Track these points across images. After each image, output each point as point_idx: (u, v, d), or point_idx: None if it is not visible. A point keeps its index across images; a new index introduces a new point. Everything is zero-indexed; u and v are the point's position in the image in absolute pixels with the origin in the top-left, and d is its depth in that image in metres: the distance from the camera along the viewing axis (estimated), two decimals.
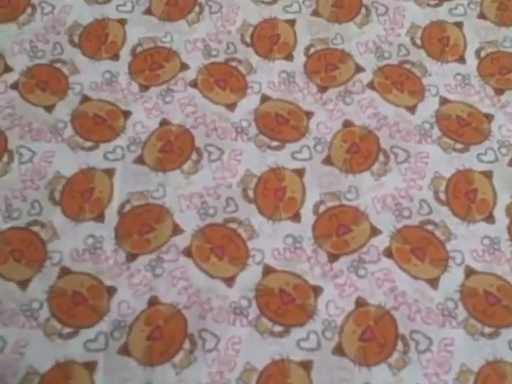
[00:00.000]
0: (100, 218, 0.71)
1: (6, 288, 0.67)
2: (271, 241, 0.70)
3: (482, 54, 0.83)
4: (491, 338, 0.66)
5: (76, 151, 0.75)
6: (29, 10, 0.85)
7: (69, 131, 0.76)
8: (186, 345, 0.65)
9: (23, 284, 0.67)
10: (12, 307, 0.66)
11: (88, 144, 0.75)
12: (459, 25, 0.85)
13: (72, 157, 0.74)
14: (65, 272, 0.68)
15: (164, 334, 0.65)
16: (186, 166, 0.74)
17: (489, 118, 0.78)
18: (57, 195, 0.72)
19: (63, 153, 0.74)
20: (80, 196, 0.72)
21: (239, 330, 0.66)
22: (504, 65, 0.81)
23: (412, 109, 0.78)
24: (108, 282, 0.68)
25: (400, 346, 0.65)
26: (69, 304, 0.66)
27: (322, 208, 0.72)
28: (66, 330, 0.65)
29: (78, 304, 0.66)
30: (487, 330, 0.66)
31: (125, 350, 0.64)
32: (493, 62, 0.82)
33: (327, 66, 0.81)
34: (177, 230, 0.70)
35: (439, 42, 0.84)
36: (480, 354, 0.65)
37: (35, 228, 0.70)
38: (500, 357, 0.65)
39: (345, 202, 0.72)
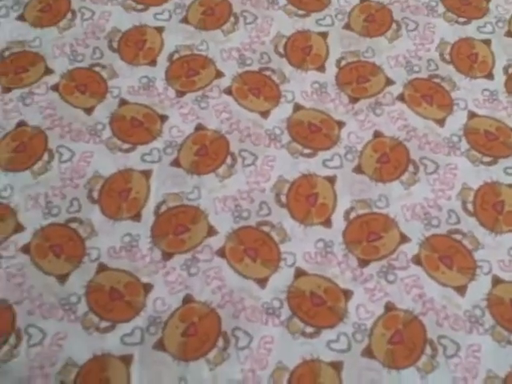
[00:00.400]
0: (137, 217, 0.73)
1: (46, 282, 0.69)
2: (303, 244, 0.72)
3: (510, 70, 0.85)
4: None
5: (114, 152, 0.77)
6: (69, 16, 0.88)
7: (107, 133, 0.78)
8: (220, 342, 0.66)
9: (62, 278, 0.69)
10: (51, 301, 0.68)
11: (126, 146, 0.77)
12: (487, 42, 0.87)
13: (110, 157, 0.76)
14: (102, 268, 0.70)
15: (198, 331, 0.67)
16: (221, 170, 0.76)
17: None
18: (95, 194, 0.74)
19: (102, 153, 0.77)
20: (118, 195, 0.74)
21: (271, 329, 0.67)
22: None
23: (441, 122, 0.80)
24: (144, 279, 0.69)
25: (428, 350, 0.67)
26: (106, 299, 0.68)
27: (352, 215, 0.74)
28: (104, 324, 0.67)
29: (114, 299, 0.68)
30: None
31: (160, 345, 0.66)
32: None
33: (358, 78, 0.84)
34: (211, 231, 0.72)
35: (468, 58, 0.86)
36: (506, 361, 0.66)
37: (74, 225, 0.72)
38: None
39: (375, 209, 0.74)
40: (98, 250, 0.71)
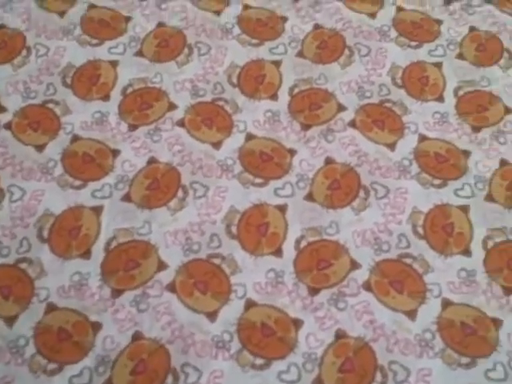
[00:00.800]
0: (87, 254, 0.73)
1: None
2: (253, 275, 0.72)
3: (460, 92, 0.85)
4: (468, 368, 0.67)
5: (65, 189, 0.77)
6: (24, 53, 0.88)
7: (59, 170, 0.78)
8: (169, 379, 0.66)
9: (10, 321, 0.69)
10: None
11: (77, 182, 0.78)
12: (438, 65, 0.88)
13: (61, 195, 0.77)
14: (51, 308, 0.70)
15: (147, 368, 0.67)
16: (172, 203, 0.76)
17: (466, 154, 0.80)
18: (45, 233, 0.74)
19: (53, 191, 0.77)
20: (68, 233, 0.74)
21: (221, 363, 0.67)
22: (481, 103, 0.84)
23: (392, 146, 0.81)
24: (93, 318, 0.69)
25: (379, 376, 0.66)
26: (54, 340, 0.68)
27: (303, 243, 0.74)
28: (51, 366, 0.67)
29: (62, 340, 0.68)
30: (464, 360, 0.67)
31: None
32: (470, 101, 0.84)
33: (311, 105, 0.84)
34: (161, 265, 0.72)
35: (419, 81, 0.86)
36: None
37: (23, 265, 0.72)
38: None
39: (325, 236, 0.74)
40: (47, 290, 0.70)
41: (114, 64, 0.88)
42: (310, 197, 0.77)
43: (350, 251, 0.73)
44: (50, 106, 0.84)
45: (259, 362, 0.67)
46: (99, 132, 0.82)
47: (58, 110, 0.83)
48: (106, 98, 0.85)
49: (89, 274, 0.72)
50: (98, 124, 0.82)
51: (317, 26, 0.91)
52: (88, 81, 0.86)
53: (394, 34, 0.91)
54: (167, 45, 0.90)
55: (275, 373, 0.67)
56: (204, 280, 0.71)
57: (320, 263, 0.72)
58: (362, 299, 0.71)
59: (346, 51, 0.89)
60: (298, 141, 0.81)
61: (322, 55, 0.89)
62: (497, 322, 0.69)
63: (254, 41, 0.90)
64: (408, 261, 0.73)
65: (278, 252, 0.73)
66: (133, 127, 0.82)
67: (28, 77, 0.86)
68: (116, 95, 0.85)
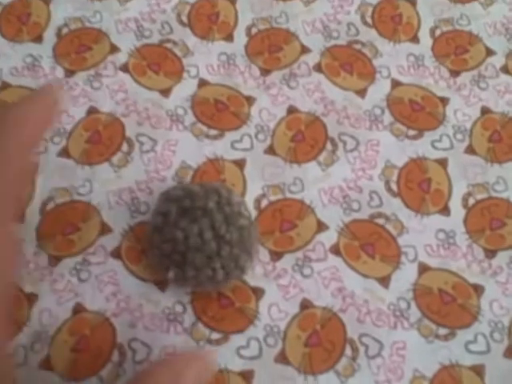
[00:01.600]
0: (20, 219, 0.64)
1: None
2: None
3: (437, 33, 0.77)
4: (446, 340, 0.61)
5: None
6: None
7: None
8: (115, 356, 0.59)
9: None
10: None
11: None
12: (412, 1, 0.79)
13: None
14: None
15: (90, 345, 0.59)
16: (116, 159, 0.68)
17: (444, 101, 0.72)
18: None
19: None
20: None
21: (173, 338, 0.60)
22: (460, 44, 0.76)
23: (362, 92, 0.73)
24: (28, 289, 0.61)
25: (349, 350, 0.60)
26: None
27: (264, 202, 0.66)
28: None
29: None
30: (442, 330, 0.61)
31: (46, 364, 0.58)
32: (448, 42, 0.76)
33: (270, 47, 0.75)
34: (105, 229, 0.64)
35: (391, 20, 0.78)
36: (434, 358, 0.60)
37: None
38: (456, 360, 0.60)
39: (289, 194, 0.67)
40: None
41: (46, 1, 0.77)
42: (270, 150, 0.69)
43: (317, 211, 0.66)
44: None
45: (215, 336, 0.60)
46: (31, 78, 0.72)
47: None
48: (39, 39, 0.74)
49: (23, 240, 0.63)
50: (30, 69, 0.72)
51: None
52: (17, 20, 0.76)
53: None
54: None
55: (234, 348, 0.60)
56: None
57: (283, 224, 0.65)
58: (329, 264, 0.63)
59: None
60: (257, 87, 0.72)
61: None
62: (478, 289, 0.63)
63: None
64: (380, 221, 0.66)
65: None
66: (70, 73, 0.72)
67: None
68: (49, 36, 0.75)
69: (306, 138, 0.70)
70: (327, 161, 0.68)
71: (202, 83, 0.72)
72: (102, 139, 0.69)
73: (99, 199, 0.65)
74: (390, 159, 0.69)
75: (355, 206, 0.66)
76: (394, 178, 0.68)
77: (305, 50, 0.75)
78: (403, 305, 0.62)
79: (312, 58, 0.75)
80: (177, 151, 0.68)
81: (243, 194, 0.66)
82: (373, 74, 0.74)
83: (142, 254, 0.63)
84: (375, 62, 0.75)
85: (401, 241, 0.65)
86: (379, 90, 0.73)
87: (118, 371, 0.58)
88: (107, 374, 0.58)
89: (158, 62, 0.73)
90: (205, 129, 0.70)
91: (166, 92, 0.72)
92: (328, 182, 0.67)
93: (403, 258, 0.64)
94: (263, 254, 0.63)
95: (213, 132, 0.69)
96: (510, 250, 0.65)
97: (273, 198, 0.66)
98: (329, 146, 0.69)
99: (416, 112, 0.72)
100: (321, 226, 0.65)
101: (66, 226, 0.64)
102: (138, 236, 0.64)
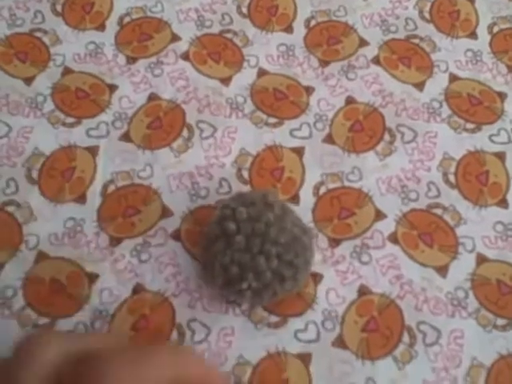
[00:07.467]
0: (81, 199, 0.65)
1: None
2: None
3: (495, 29, 0.77)
4: (504, 330, 0.60)
5: (57, 127, 0.69)
6: None
7: (49, 105, 0.70)
8: (174, 336, 0.59)
9: None
10: None
11: (70, 120, 0.69)
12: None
13: (53, 133, 0.69)
14: (42, 257, 0.62)
15: (150, 324, 0.60)
16: (176, 144, 0.69)
17: (502, 96, 0.72)
18: (35, 174, 0.66)
19: (43, 128, 0.69)
20: (60, 175, 0.66)
21: (232, 319, 0.60)
22: None
23: (420, 85, 0.73)
24: (89, 268, 0.62)
25: (406, 338, 0.60)
26: (46, 292, 0.61)
27: (322, 190, 0.67)
28: (42, 321, 0.60)
29: (55, 292, 0.61)
30: (500, 321, 0.61)
31: None
32: (506, 39, 0.76)
33: (329, 40, 0.76)
34: (165, 212, 0.65)
35: (449, 16, 0.78)
36: (492, 348, 0.60)
37: (10, 208, 0.64)
38: None
39: (347, 183, 0.67)
40: (36, 236, 0.63)
41: None
42: (329, 139, 0.69)
43: (374, 200, 0.66)
44: (38, 34, 0.75)
45: (274, 319, 0.61)
46: (94, 65, 0.73)
47: (47, 40, 0.75)
48: (101, 27, 0.76)
49: (83, 220, 0.64)
50: (93, 56, 0.74)
51: None
52: (81, 9, 0.77)
53: None
54: None
55: (292, 331, 0.60)
56: None
57: (342, 212, 0.65)
58: (387, 252, 0.64)
59: None
60: (316, 78, 0.73)
61: None
62: None
63: None
64: (438, 211, 0.66)
65: (295, 198, 0.66)
66: (132, 60, 0.74)
67: (14, 2, 0.77)
68: (112, 25, 0.76)
69: (364, 129, 0.70)
70: (385, 151, 0.69)
71: (262, 72, 0.73)
72: (163, 125, 0.70)
73: (160, 183, 0.66)
74: (447, 151, 0.69)
75: (413, 195, 0.66)
76: (452, 169, 0.68)
77: (363, 43, 0.76)
78: (461, 294, 0.62)
79: (370, 51, 0.75)
80: (236, 138, 0.69)
81: (302, 180, 0.67)
82: (431, 67, 0.74)
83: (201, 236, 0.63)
84: (433, 57, 0.75)
85: (458, 231, 0.65)
86: (437, 84, 0.73)
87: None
88: None
89: (218, 51, 0.74)
90: (264, 117, 0.70)
91: (226, 80, 0.73)
92: (386, 171, 0.68)
93: (461, 249, 0.64)
94: (322, 241, 0.64)
95: (272, 120, 0.70)
96: None
97: (331, 185, 0.67)
98: (387, 136, 0.70)
99: (474, 106, 0.72)
100: (379, 215, 0.65)
101: (126, 209, 0.65)
102: (198, 219, 0.64)
